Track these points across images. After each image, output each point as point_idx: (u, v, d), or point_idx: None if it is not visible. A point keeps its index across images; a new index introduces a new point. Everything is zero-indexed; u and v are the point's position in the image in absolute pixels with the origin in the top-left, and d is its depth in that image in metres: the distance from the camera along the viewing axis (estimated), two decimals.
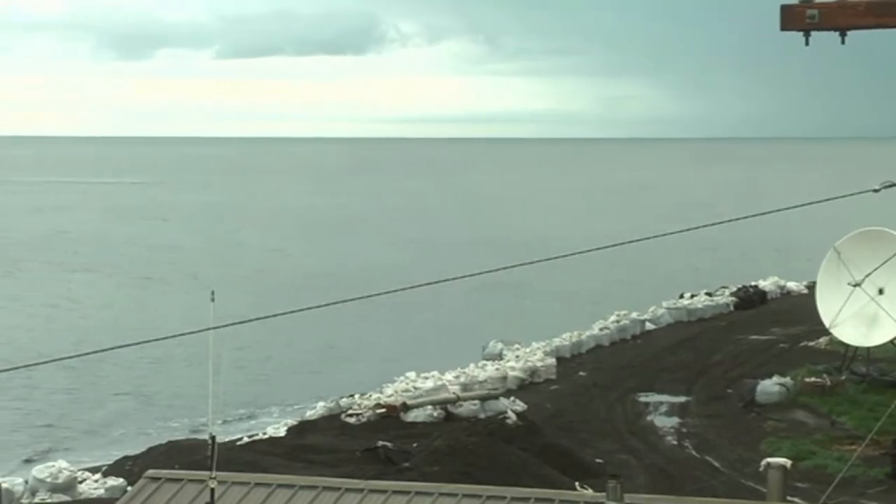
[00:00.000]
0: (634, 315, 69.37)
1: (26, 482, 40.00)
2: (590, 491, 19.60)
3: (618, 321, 67.69)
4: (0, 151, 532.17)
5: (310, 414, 49.24)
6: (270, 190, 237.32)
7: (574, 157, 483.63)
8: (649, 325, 69.65)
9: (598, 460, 42.37)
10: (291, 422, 48.76)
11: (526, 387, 54.70)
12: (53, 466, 40.49)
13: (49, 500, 39.14)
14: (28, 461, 46.38)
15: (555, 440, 42.79)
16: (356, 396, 48.76)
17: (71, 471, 40.40)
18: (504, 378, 54.08)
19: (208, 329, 15.93)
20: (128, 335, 68.07)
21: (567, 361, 60.38)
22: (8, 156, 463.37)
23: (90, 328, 77.78)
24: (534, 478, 35.08)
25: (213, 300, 16.90)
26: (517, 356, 58.73)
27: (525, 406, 47.86)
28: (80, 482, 40.11)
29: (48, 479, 39.57)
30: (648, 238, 18.55)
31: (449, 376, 51.71)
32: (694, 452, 44.44)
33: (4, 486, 36.94)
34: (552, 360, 58.26)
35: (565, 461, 40.27)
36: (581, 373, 58.20)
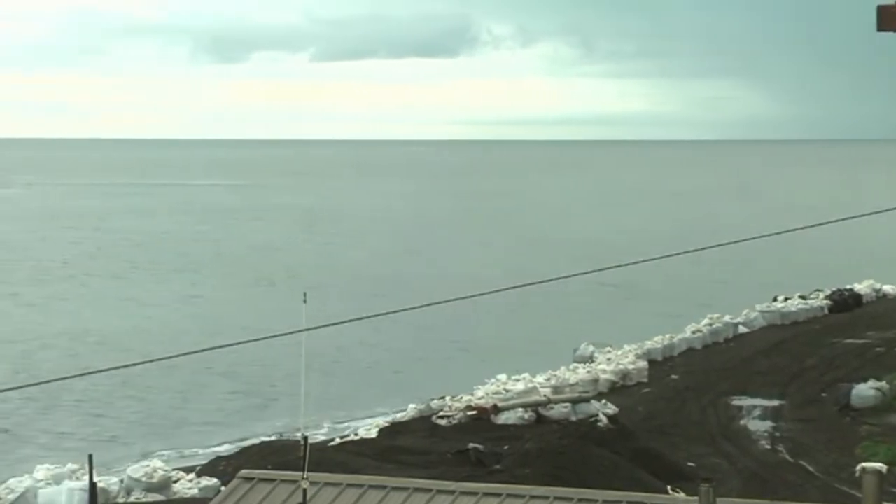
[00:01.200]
0: (727, 318, 68.88)
1: (121, 481, 40.44)
2: (682, 495, 19.50)
3: (710, 324, 67.25)
4: (102, 154, 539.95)
5: (401, 415, 49.37)
6: (366, 192, 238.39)
7: (669, 159, 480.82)
8: (742, 329, 69.12)
9: (690, 464, 42.10)
10: (383, 423, 48.91)
11: (617, 390, 54.50)
12: (148, 466, 40.91)
13: (144, 500, 39.55)
14: (123, 460, 46.88)
15: (646, 443, 42.59)
16: (447, 398, 48.81)
17: (165, 470, 40.80)
18: (595, 381, 53.91)
19: (301, 331, 16.04)
20: (225, 336, 68.81)
21: (659, 364, 60.08)
22: (110, 158, 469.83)
23: (189, 328, 78.51)
24: (625, 481, 34.92)
25: (305, 302, 17.05)
26: (608, 359, 58.53)
27: (616, 409, 47.64)
28: (175, 482, 40.49)
29: (143, 479, 39.98)
30: (742, 241, 18.42)
31: (540, 379, 51.64)
32: (787, 457, 44.02)
33: (100, 485, 37.37)
34: (644, 363, 58.00)
35: (657, 464, 40.06)
36: (673, 376, 57.86)
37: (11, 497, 38.34)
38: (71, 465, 40.70)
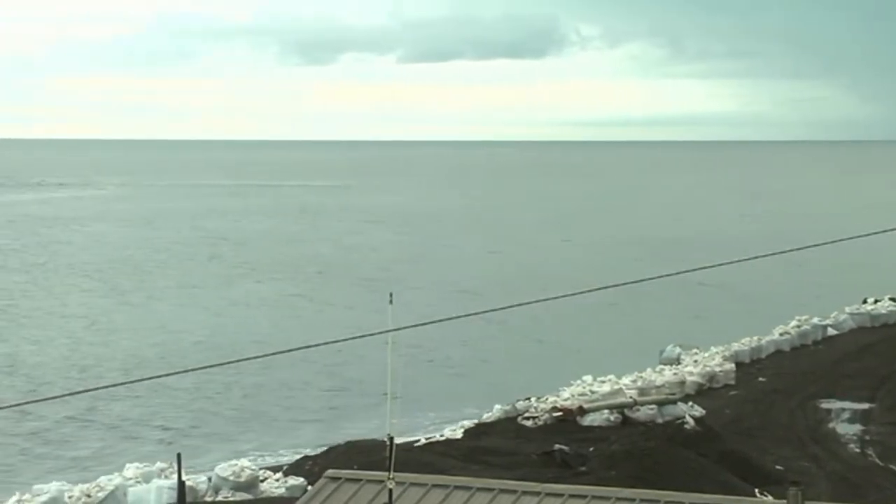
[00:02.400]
0: (816, 320, 68.20)
1: (209, 480, 40.79)
2: (770, 498, 19.37)
3: (799, 326, 66.62)
4: (192, 155, 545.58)
5: (486, 416, 49.35)
6: (453, 192, 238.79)
7: (759, 160, 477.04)
8: (831, 331, 68.40)
9: (778, 467, 41.75)
10: (468, 424, 48.92)
11: (704, 392, 54.16)
12: (236, 465, 41.22)
13: (231, 498, 39.87)
14: (212, 459, 47.28)
15: (734, 446, 42.30)
16: (532, 399, 48.73)
17: (253, 469, 41.09)
18: (682, 383, 53.60)
19: (387, 331, 16.10)
20: (316, 335, 69.23)
21: (746, 367, 59.63)
22: (201, 159, 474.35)
23: (283, 328, 78.99)
24: (712, 483, 34.72)
25: (391, 302, 17.07)
26: (695, 361, 58.18)
27: (703, 411, 47.33)
28: (262, 481, 40.76)
29: (231, 478, 40.30)
30: (831, 242, 18.26)
31: (626, 380, 51.44)
32: (877, 460, 43.52)
33: (188, 483, 37.72)
34: (731, 365, 57.59)
35: (744, 467, 39.79)
36: (761, 378, 57.40)
37: (102, 495, 38.81)
38: (160, 464, 41.14)
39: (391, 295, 17.38)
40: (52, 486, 39.25)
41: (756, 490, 36.73)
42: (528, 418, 46.54)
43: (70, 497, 38.76)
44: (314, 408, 59.24)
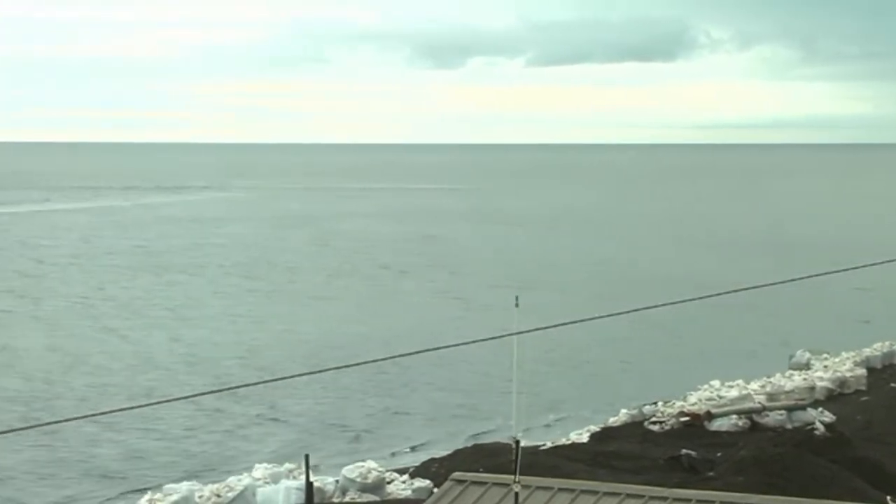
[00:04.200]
0: None
1: (337, 481, 41.10)
2: None
3: None
4: (326, 159, 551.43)
5: (612, 421, 49.15)
6: (582, 195, 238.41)
7: (894, 163, 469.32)
8: None
9: None
10: (594, 428, 48.76)
11: (835, 397, 53.38)
12: (363, 467, 41.49)
13: (358, 500, 40.14)
14: (339, 461, 47.66)
15: (865, 452, 41.60)
16: (659, 404, 48.45)
17: (380, 471, 41.32)
18: (812, 388, 52.88)
19: (512, 334, 16.11)
20: (444, 337, 69.58)
21: (878, 372, 58.66)
22: (333, 163, 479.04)
23: (405, 330, 79.39)
24: (843, 490, 34.23)
25: (517, 305, 17.08)
26: (825, 366, 57.39)
27: (834, 417, 46.66)
28: (389, 482, 40.99)
29: (358, 479, 40.57)
30: None
31: (754, 385, 50.89)
32: None
33: (316, 484, 38.04)
34: (862, 371, 56.70)
35: (876, 474, 39.12)
36: (893, 384, 56.45)
37: (231, 495, 39.30)
38: (288, 465, 41.57)
39: (517, 298, 17.39)
40: (183, 486, 39.82)
41: (888, 498, 36.16)
42: (654, 423, 46.27)
43: (200, 497, 39.31)
44: (439, 411, 59.39)
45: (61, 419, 49.04)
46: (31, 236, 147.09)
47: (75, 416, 53.38)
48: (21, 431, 51.21)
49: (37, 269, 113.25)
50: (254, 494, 39.47)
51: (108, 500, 45.31)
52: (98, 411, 51.63)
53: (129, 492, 45.43)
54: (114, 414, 49.84)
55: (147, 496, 39.82)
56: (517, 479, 18.17)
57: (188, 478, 43.35)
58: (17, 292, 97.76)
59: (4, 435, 48.58)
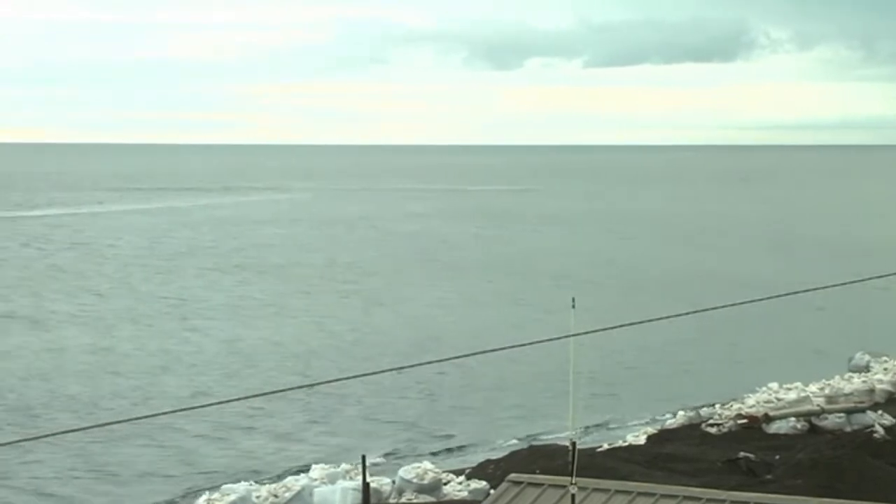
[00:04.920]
0: None
1: (393, 482, 41.23)
2: None
3: None
4: (381, 160, 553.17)
5: (670, 422, 49.04)
6: (639, 196, 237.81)
7: None
8: None
9: None
10: (651, 430, 48.65)
11: (894, 400, 52.95)
12: (420, 468, 41.60)
13: (415, 500, 40.23)
14: (395, 462, 47.77)
15: None
16: (717, 406, 48.29)
17: (436, 472, 41.41)
18: (871, 391, 52.48)
19: (569, 336, 16.11)
20: (494, 339, 69.55)
21: None
22: (392, 164, 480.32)
23: (462, 330, 79.41)
24: None
25: (573, 307, 17.09)
26: (885, 368, 56.95)
27: (893, 420, 46.35)
28: (445, 484, 41.06)
29: (415, 480, 40.68)
30: None
31: (813, 388, 50.59)
32: None
33: (373, 485, 38.16)
34: None
35: None
36: None
37: (289, 495, 39.51)
38: (345, 465, 41.76)
39: (573, 300, 17.40)
40: (241, 487, 40.08)
41: None
42: (712, 425, 46.11)
43: (258, 497, 39.54)
44: (495, 412, 59.35)
45: (122, 419, 49.32)
46: (114, 237, 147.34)
47: (134, 416, 53.73)
48: (82, 431, 51.64)
49: (120, 271, 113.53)
50: (311, 494, 39.67)
51: (167, 500, 45.60)
52: (189, 407, 51.82)
53: (187, 492, 45.71)
54: (175, 414, 50.08)
55: (205, 496, 40.10)
56: (574, 481, 18.17)
57: (246, 478, 43.57)
58: (100, 292, 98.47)
59: (64, 435, 49.11)
